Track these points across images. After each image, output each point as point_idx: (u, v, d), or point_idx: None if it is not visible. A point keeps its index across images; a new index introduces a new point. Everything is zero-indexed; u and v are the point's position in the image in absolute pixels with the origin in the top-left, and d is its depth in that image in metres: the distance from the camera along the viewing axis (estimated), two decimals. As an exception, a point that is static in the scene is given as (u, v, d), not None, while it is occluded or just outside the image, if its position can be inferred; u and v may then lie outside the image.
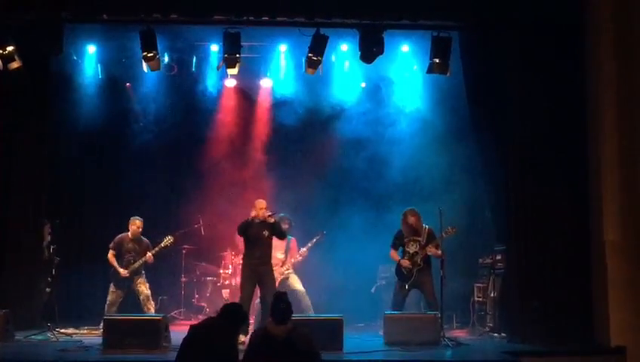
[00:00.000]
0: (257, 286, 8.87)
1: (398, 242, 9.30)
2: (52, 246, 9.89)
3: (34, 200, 9.80)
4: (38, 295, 9.68)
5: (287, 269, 9.87)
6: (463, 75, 9.50)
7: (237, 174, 11.46)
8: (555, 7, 8.71)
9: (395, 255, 9.31)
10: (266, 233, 8.86)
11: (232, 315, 5.52)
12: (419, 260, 9.08)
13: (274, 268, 9.68)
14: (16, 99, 9.71)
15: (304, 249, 9.98)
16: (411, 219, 9.18)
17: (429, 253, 9.08)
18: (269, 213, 8.78)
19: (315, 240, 10.03)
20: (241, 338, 8.74)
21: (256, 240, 8.85)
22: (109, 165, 11.45)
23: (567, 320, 8.43)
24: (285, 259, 9.89)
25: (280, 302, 5.63)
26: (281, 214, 10.01)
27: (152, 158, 11.54)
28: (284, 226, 9.84)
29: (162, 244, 9.65)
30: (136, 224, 9.62)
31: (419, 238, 9.16)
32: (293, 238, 10.05)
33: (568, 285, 8.52)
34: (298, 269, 10.08)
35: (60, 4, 8.77)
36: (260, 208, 8.80)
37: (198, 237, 11.31)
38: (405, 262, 9.10)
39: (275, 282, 9.00)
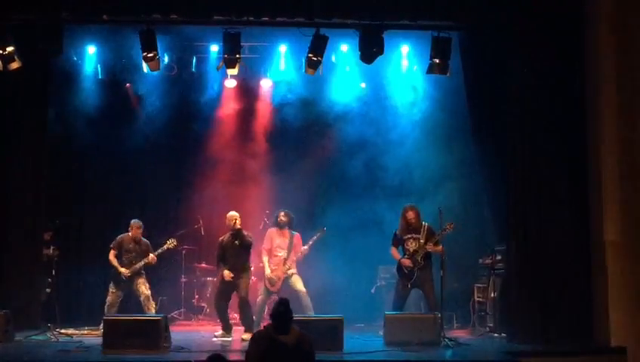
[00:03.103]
0: (235, 290, 9.30)
1: (398, 239, 9.29)
2: (52, 247, 9.90)
3: (34, 200, 9.79)
4: (38, 295, 9.68)
5: (290, 268, 9.83)
6: (462, 75, 9.51)
7: (237, 174, 11.47)
8: (554, 7, 8.72)
9: (395, 253, 9.29)
10: (237, 242, 9.23)
11: None
12: (419, 258, 9.06)
13: (277, 267, 9.74)
14: (16, 99, 9.71)
15: (305, 247, 9.97)
16: (410, 214, 9.15)
17: (429, 250, 9.07)
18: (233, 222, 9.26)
19: (315, 237, 10.01)
20: (247, 336, 8.91)
21: (229, 251, 9.28)
22: (108, 165, 11.43)
23: (568, 320, 8.43)
24: (287, 257, 9.86)
25: (280, 312, 5.64)
26: (281, 210, 10.04)
27: (152, 159, 11.53)
28: (280, 219, 9.89)
29: (165, 246, 9.67)
30: (134, 229, 9.60)
31: (418, 236, 9.14)
32: (296, 234, 10.03)
33: (568, 285, 8.52)
34: (299, 268, 10.05)
35: (59, 4, 8.77)
36: (228, 220, 9.28)
37: (198, 237, 11.32)
38: (406, 262, 9.08)
39: (248, 282, 9.38)
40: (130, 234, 9.64)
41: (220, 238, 9.49)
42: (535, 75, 8.77)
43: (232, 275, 9.16)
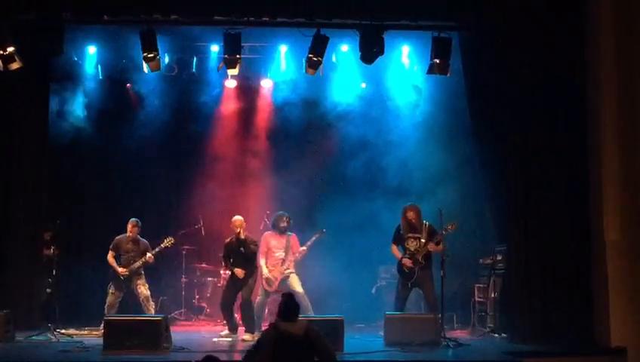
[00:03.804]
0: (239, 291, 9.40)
1: (400, 238, 9.27)
2: (52, 247, 9.90)
3: (34, 201, 9.80)
4: (39, 295, 9.68)
5: (287, 268, 9.79)
6: (463, 75, 9.51)
7: (237, 175, 11.48)
8: (554, 7, 8.72)
9: (395, 251, 9.26)
10: (242, 249, 9.32)
11: None
12: (420, 258, 9.05)
13: (274, 267, 9.72)
14: (16, 99, 9.71)
15: (304, 247, 9.94)
16: (410, 214, 9.14)
17: (430, 250, 9.04)
18: (238, 231, 9.36)
19: (314, 238, 9.98)
20: (248, 336, 8.91)
21: (235, 255, 9.36)
22: (109, 165, 11.44)
23: (568, 320, 8.43)
24: (285, 258, 9.84)
25: (287, 303, 5.85)
26: (280, 212, 10.02)
27: (152, 159, 11.54)
28: (282, 225, 9.85)
29: (162, 245, 9.67)
30: (129, 227, 9.62)
31: (419, 235, 9.13)
32: (292, 234, 10.00)
33: (568, 285, 8.53)
34: (298, 268, 10.05)
35: (60, 4, 8.78)
36: (233, 226, 9.39)
37: (198, 237, 11.32)
38: (407, 262, 9.05)
39: (254, 283, 9.43)
40: (127, 233, 9.65)
41: (227, 241, 9.51)
42: (535, 75, 8.78)
43: (244, 272, 9.23)
